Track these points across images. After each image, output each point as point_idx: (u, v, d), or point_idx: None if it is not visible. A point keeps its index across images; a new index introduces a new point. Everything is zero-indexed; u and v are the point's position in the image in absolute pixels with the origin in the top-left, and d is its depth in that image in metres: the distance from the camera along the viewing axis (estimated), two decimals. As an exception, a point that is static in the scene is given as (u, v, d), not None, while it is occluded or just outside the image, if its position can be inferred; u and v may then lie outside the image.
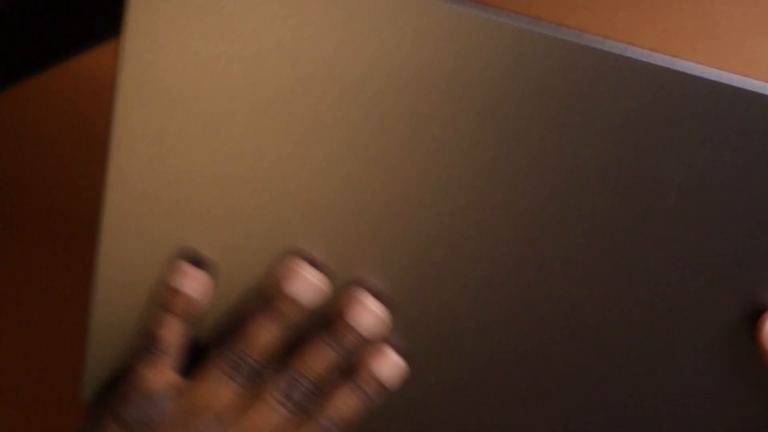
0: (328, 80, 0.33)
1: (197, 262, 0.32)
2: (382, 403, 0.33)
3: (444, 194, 0.34)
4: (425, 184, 0.33)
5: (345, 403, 0.29)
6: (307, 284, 0.29)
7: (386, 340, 0.31)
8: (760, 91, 0.33)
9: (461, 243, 0.34)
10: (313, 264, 0.30)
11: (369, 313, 0.29)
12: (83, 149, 0.55)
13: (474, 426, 0.36)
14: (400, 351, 0.32)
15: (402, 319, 0.32)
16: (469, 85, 0.34)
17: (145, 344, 0.32)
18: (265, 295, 0.30)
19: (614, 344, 0.36)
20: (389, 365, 0.30)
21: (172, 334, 0.31)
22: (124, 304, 0.34)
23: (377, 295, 0.30)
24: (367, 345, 0.29)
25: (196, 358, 0.33)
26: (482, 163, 0.35)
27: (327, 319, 0.30)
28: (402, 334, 0.33)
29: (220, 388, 0.30)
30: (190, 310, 0.31)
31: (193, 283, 0.30)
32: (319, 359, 0.30)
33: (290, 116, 0.33)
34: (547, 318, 0.35)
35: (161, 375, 0.31)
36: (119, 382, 0.33)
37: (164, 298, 0.31)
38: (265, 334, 0.29)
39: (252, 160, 0.33)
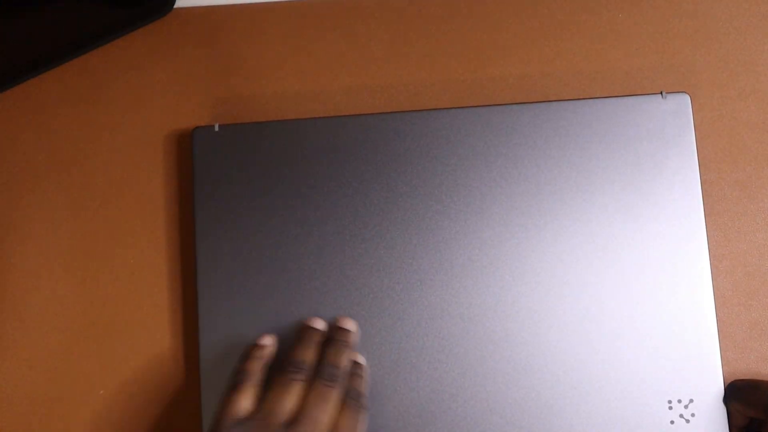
0: None
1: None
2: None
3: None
4: None
5: (356, 381, 0.47)
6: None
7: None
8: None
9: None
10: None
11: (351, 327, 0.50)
12: (81, 149, 0.55)
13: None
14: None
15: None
16: None
17: (234, 377, 0.46)
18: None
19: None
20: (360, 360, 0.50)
21: (254, 367, 0.46)
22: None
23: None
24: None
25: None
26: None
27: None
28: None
29: (287, 388, 0.45)
30: (265, 354, 0.48)
31: (267, 339, 0.49)
32: (339, 356, 0.47)
33: None
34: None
35: (245, 397, 0.45)
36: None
37: (249, 349, 0.48)
38: (310, 351, 0.47)
39: None
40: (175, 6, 0.57)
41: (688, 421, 0.48)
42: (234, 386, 0.45)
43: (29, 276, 0.53)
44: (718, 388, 0.49)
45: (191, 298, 0.52)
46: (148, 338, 0.52)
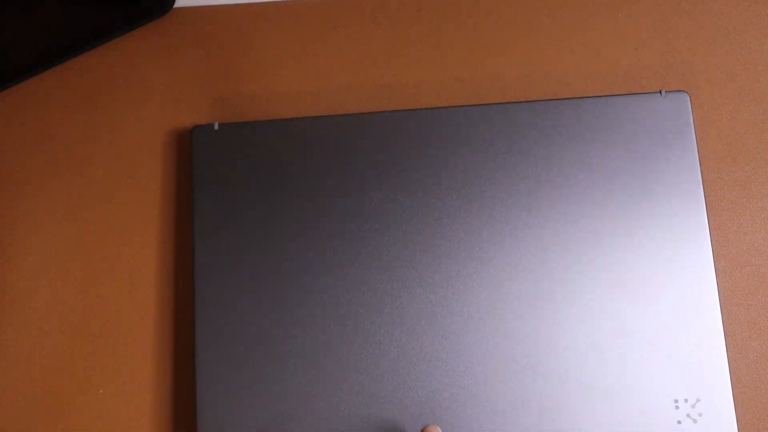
0: None
1: None
2: None
3: None
4: None
5: None
6: None
7: None
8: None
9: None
10: None
11: None
12: (81, 148, 0.55)
13: None
14: None
15: None
16: None
17: None
18: None
19: None
20: None
21: None
22: None
23: None
24: None
25: None
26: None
27: None
28: None
29: None
30: None
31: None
32: None
33: None
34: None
35: None
36: None
37: None
38: None
39: None
40: (175, 6, 0.57)
41: (695, 421, 0.48)
42: None
43: (29, 276, 0.53)
44: (726, 386, 0.48)
45: (191, 297, 0.52)
46: (147, 338, 0.52)
